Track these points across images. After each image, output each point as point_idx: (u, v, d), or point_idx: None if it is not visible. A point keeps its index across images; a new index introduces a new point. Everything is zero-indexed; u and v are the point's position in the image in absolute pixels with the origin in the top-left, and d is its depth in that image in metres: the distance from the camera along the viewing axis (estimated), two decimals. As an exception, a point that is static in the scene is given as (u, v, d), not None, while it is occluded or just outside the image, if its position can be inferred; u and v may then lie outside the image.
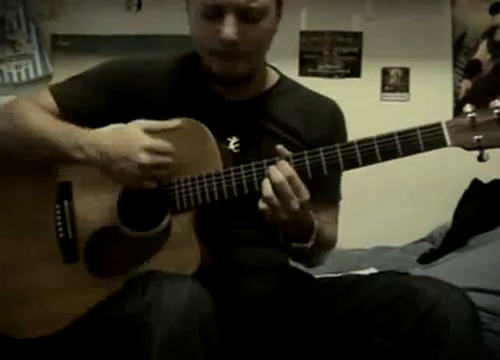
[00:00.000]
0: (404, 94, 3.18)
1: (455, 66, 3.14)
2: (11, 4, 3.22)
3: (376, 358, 1.22)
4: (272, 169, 1.19)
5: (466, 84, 3.13)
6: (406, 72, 3.17)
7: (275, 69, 1.46)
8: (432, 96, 3.11)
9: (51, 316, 1.27)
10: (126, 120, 1.39)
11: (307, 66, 3.17)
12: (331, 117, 1.44)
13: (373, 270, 2.35)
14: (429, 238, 2.88)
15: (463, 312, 1.15)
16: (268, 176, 1.19)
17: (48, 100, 1.36)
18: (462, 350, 1.13)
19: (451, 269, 2.08)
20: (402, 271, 1.38)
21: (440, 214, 2.86)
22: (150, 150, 1.21)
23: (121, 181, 1.25)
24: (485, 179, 2.80)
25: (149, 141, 1.22)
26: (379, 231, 2.98)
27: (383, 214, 3.05)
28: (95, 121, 1.38)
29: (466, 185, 2.86)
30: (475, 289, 1.83)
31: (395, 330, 1.19)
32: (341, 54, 3.20)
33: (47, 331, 1.27)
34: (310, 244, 1.27)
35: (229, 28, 1.25)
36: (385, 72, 3.19)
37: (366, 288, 1.26)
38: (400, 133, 1.18)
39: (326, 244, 1.39)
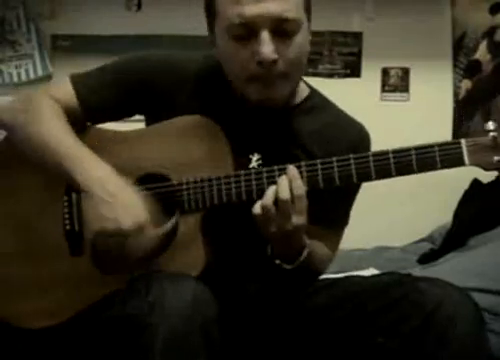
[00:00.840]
0: (404, 94, 3.18)
1: (455, 66, 3.15)
2: (11, 4, 3.22)
3: (380, 358, 1.22)
4: (283, 183, 1.16)
5: (466, 84, 3.13)
6: (406, 72, 3.17)
7: (304, 81, 1.41)
8: (432, 96, 3.11)
9: (55, 307, 1.27)
10: (144, 114, 1.37)
11: (307, 66, 3.17)
12: (354, 144, 1.35)
13: (373, 270, 2.35)
14: (429, 238, 2.88)
15: (467, 312, 1.15)
16: (277, 187, 1.16)
17: (68, 91, 1.33)
18: (466, 350, 1.13)
19: (451, 269, 2.08)
20: (402, 271, 1.38)
21: (440, 214, 2.86)
22: (139, 227, 1.16)
23: (88, 220, 1.20)
24: (485, 179, 2.80)
25: (145, 220, 1.17)
26: (379, 231, 2.98)
27: (383, 214, 3.05)
28: (113, 114, 1.36)
29: (466, 185, 2.86)
30: (475, 289, 1.83)
31: (399, 330, 1.18)
32: (341, 54, 3.20)
33: (48, 322, 1.26)
34: (292, 267, 1.24)
35: (267, 46, 1.17)
36: (385, 72, 3.19)
37: (369, 288, 1.26)
38: (417, 148, 1.15)
39: (316, 270, 1.35)
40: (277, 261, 1.25)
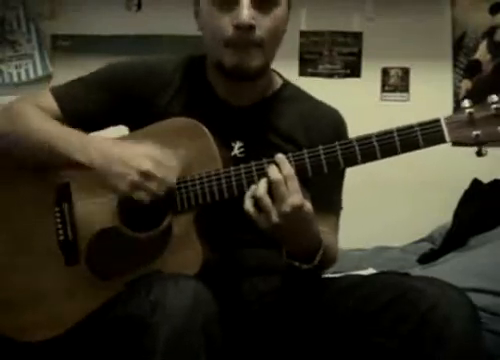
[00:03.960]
0: (404, 94, 3.18)
1: (455, 66, 3.14)
2: (11, 4, 3.22)
3: (377, 358, 1.22)
4: (273, 168, 1.18)
5: (466, 84, 3.13)
6: (406, 72, 3.17)
7: (278, 74, 1.45)
8: (432, 96, 3.11)
9: (53, 319, 1.27)
10: (127, 123, 1.39)
11: (307, 66, 3.17)
12: (333, 128, 1.42)
13: (373, 270, 2.35)
14: (429, 238, 2.88)
15: (463, 312, 1.15)
16: (266, 174, 1.18)
17: (49, 102, 1.35)
18: (463, 350, 1.13)
19: (451, 269, 2.08)
20: (402, 271, 1.38)
21: (440, 214, 2.86)
22: (154, 160, 1.19)
23: (115, 186, 1.21)
24: (485, 179, 2.80)
25: (155, 152, 1.20)
26: (379, 231, 2.98)
27: (383, 214, 3.05)
28: (96, 123, 1.38)
29: (466, 185, 2.86)
30: (475, 289, 1.83)
31: (396, 330, 1.18)
32: (341, 54, 3.20)
33: (49, 334, 1.27)
34: (313, 265, 1.24)
35: (246, 11, 1.24)
36: (385, 72, 3.19)
37: (367, 288, 1.26)
38: (399, 130, 1.18)
39: (330, 262, 1.37)
40: (296, 263, 1.24)
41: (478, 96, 1.19)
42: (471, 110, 1.16)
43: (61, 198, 1.31)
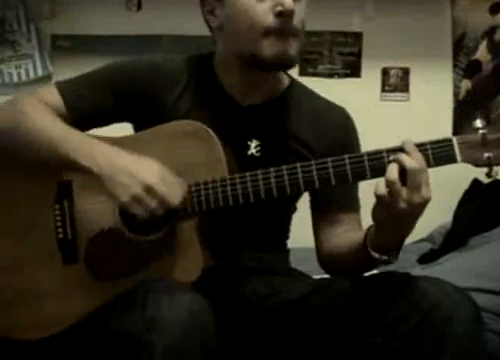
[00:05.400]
0: (404, 94, 3.18)
1: (455, 66, 3.14)
2: (11, 4, 3.21)
3: (377, 358, 1.22)
4: (405, 157, 1.13)
5: (466, 84, 3.13)
6: (406, 72, 3.17)
7: (285, 72, 1.43)
8: (432, 96, 3.11)
9: (50, 318, 1.26)
10: (133, 120, 1.38)
11: (307, 66, 3.17)
12: (340, 127, 1.41)
13: (373, 270, 2.35)
14: (429, 238, 2.88)
15: (465, 312, 1.14)
16: (397, 161, 1.13)
17: (55, 98, 1.34)
18: (463, 351, 1.13)
19: (451, 269, 2.08)
20: (402, 271, 1.38)
21: (440, 214, 2.86)
22: (159, 176, 1.16)
23: (117, 196, 1.18)
24: (485, 179, 2.79)
25: (162, 168, 1.18)
26: (379, 231, 2.97)
27: (383, 214, 3.05)
28: (100, 120, 1.37)
29: (466, 185, 2.85)
30: (475, 289, 1.83)
31: (397, 330, 1.18)
32: (341, 54, 3.20)
33: (46, 333, 1.26)
34: (387, 259, 1.28)
35: None
36: (385, 72, 3.19)
37: (367, 288, 1.26)
38: None
39: None
40: (384, 257, 1.27)
41: (478, 96, 1.18)
42: (484, 131, 1.13)
43: (62, 195, 1.29)
